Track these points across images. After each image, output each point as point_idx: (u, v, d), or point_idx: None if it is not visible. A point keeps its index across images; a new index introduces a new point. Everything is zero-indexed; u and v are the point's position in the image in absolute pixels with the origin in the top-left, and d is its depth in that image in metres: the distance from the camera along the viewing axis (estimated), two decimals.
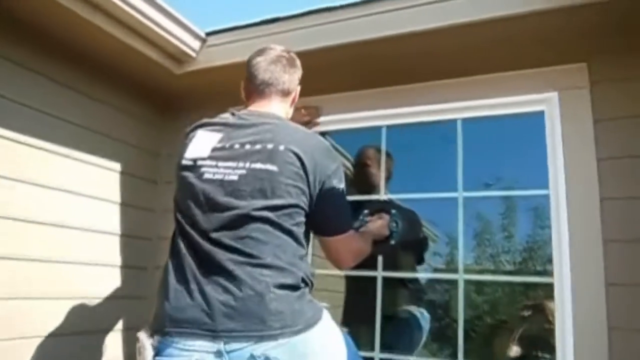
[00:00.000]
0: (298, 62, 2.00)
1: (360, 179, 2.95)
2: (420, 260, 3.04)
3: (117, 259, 2.88)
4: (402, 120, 2.74)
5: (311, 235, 1.83)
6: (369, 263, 2.63)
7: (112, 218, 2.87)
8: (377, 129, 2.79)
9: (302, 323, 1.53)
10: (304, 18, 2.52)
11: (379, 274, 2.63)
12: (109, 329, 2.78)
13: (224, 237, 1.58)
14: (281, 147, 1.65)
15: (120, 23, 2.43)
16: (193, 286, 1.54)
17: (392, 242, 2.42)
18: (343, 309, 2.96)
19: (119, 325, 2.83)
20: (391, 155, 2.83)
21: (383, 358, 2.55)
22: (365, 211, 2.50)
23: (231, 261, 1.54)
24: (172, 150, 1.79)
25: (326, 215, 1.75)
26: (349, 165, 3.22)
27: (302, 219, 1.68)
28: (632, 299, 2.07)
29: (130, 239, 2.95)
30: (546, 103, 2.40)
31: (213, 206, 1.62)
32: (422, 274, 3.10)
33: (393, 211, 2.48)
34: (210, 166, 1.67)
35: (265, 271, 1.53)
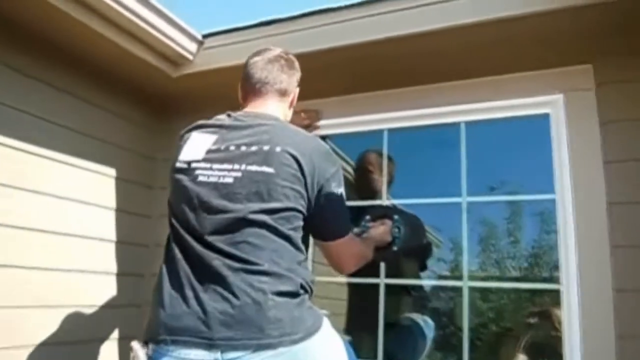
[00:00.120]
0: (297, 64, 2.00)
1: (362, 185, 2.95)
2: (423, 267, 3.04)
3: (113, 266, 2.88)
4: (404, 123, 2.75)
5: (311, 241, 1.82)
6: (371, 270, 2.63)
7: (107, 224, 2.87)
8: (379, 132, 2.80)
9: (302, 331, 1.51)
10: (302, 19, 2.53)
11: (382, 281, 2.63)
12: (104, 338, 2.78)
13: (219, 241, 1.56)
14: (278, 149, 1.64)
15: (117, 26, 2.44)
16: (189, 293, 1.52)
17: (395, 248, 2.41)
18: (346, 316, 2.96)
19: (115, 334, 2.83)
20: (392, 159, 2.83)
21: None
22: (367, 217, 2.49)
23: (227, 267, 1.52)
24: (168, 155, 1.79)
25: (325, 219, 1.74)
26: (349, 169, 3.22)
27: (300, 223, 1.66)
28: None
29: (126, 246, 2.95)
30: (551, 105, 2.40)
31: (207, 210, 1.61)
32: (426, 281, 3.09)
33: (395, 217, 2.47)
34: (205, 169, 1.66)
35: (263, 278, 1.52)
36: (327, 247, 1.86)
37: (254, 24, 2.64)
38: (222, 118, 1.82)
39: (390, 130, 2.78)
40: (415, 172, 3.42)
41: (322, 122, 2.81)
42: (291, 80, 1.95)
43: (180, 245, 1.62)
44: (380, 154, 2.85)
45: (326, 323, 1.65)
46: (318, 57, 2.45)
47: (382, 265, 2.65)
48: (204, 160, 1.68)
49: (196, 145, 1.73)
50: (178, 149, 1.77)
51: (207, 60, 2.75)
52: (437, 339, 2.97)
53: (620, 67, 2.27)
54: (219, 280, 1.51)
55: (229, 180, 1.62)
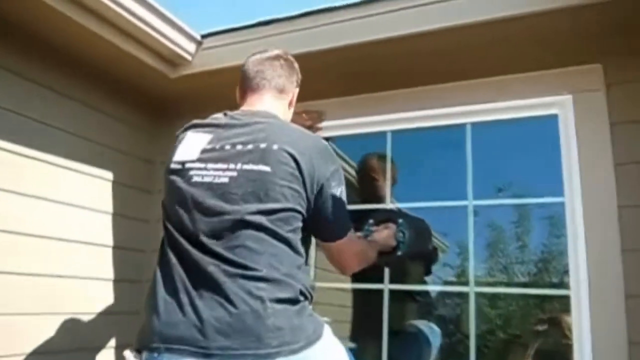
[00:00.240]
0: (296, 65, 2.00)
1: (366, 191, 2.94)
2: (428, 272, 3.03)
3: (110, 272, 2.87)
4: (408, 125, 2.74)
5: (312, 244, 1.81)
6: (374, 275, 2.63)
7: (104, 229, 2.87)
8: (382, 134, 2.79)
9: (302, 340, 1.49)
10: (302, 19, 2.52)
11: (386, 286, 2.62)
12: (101, 346, 2.77)
13: (215, 245, 1.54)
14: (275, 147, 1.61)
15: (113, 26, 2.44)
16: (184, 299, 1.50)
17: (399, 253, 2.40)
18: (351, 323, 2.95)
19: (112, 342, 2.82)
20: (393, 161, 2.82)
21: None
22: (371, 221, 2.49)
23: (224, 273, 1.49)
24: (166, 158, 1.78)
25: (325, 219, 1.71)
26: (351, 171, 3.22)
27: (299, 224, 1.64)
28: None
29: (123, 251, 2.95)
30: (560, 106, 2.39)
31: (202, 211, 1.59)
32: (431, 287, 3.08)
33: (400, 220, 2.46)
34: (199, 169, 1.64)
35: (261, 284, 1.49)
36: (329, 248, 1.84)
37: (252, 24, 2.64)
38: (218, 117, 1.82)
39: (394, 132, 2.77)
40: (419, 174, 3.42)
41: (324, 124, 2.80)
42: (290, 79, 1.95)
43: (175, 249, 1.60)
44: (382, 158, 2.84)
45: (327, 331, 1.64)
46: (318, 58, 2.45)
47: (386, 270, 2.63)
48: (199, 160, 1.67)
49: (191, 145, 1.72)
50: (173, 149, 1.76)
51: (206, 60, 2.75)
52: (443, 346, 2.96)
53: (630, 67, 2.26)
54: (215, 286, 1.49)
55: (224, 180, 1.60)
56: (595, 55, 2.30)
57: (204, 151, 1.68)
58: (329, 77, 2.64)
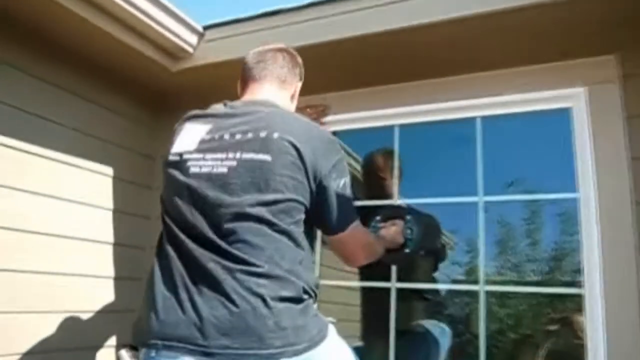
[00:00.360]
0: (299, 60, 1.99)
1: (372, 188, 2.93)
2: (435, 268, 3.02)
3: (110, 270, 2.89)
4: (416, 119, 2.74)
5: (316, 239, 1.80)
6: (381, 274, 2.63)
7: (104, 226, 2.88)
8: (389, 128, 2.79)
9: (306, 341, 1.48)
10: (308, 10, 2.52)
11: (393, 285, 2.62)
12: (101, 345, 2.79)
13: (215, 239, 1.52)
14: (275, 135, 1.60)
15: (114, 18, 2.44)
16: (183, 295, 1.49)
17: (407, 250, 2.40)
18: (360, 323, 2.95)
19: (112, 341, 2.83)
20: (399, 155, 2.81)
21: None
22: (377, 217, 2.48)
23: (224, 269, 1.48)
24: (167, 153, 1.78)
25: (330, 211, 1.69)
26: (357, 166, 3.21)
27: (302, 216, 1.62)
28: None
29: (124, 248, 2.96)
30: (573, 99, 2.38)
31: (201, 203, 1.57)
32: (440, 285, 3.08)
33: (408, 217, 2.46)
34: (197, 159, 1.63)
35: (261, 280, 1.48)
36: (334, 240, 1.83)
37: (257, 14, 2.63)
38: (217, 107, 1.81)
39: (402, 126, 2.77)
40: (428, 170, 3.41)
41: (330, 118, 2.80)
42: (293, 71, 1.94)
43: (174, 244, 1.59)
44: (387, 154, 2.84)
45: (332, 331, 1.63)
46: (324, 49, 2.45)
47: (393, 268, 2.63)
48: (197, 150, 1.65)
49: (189, 136, 1.71)
50: (171, 141, 1.76)
51: (208, 53, 2.75)
52: (452, 346, 2.95)
53: None
54: (215, 283, 1.47)
55: (223, 170, 1.59)
56: (609, 46, 2.29)
57: (202, 141, 1.67)
58: (336, 70, 2.64)
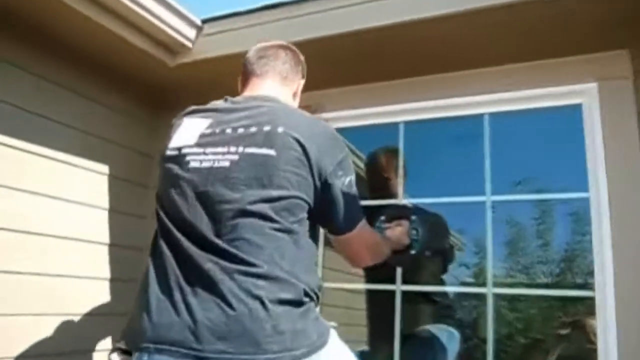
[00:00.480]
0: (302, 57, 2.00)
1: (376, 189, 2.93)
2: (443, 270, 3.02)
3: (106, 271, 2.90)
4: (422, 115, 2.74)
5: (319, 240, 1.79)
6: (386, 276, 2.63)
7: (99, 226, 2.89)
8: (394, 125, 2.79)
9: (305, 346, 1.46)
10: (310, 3, 2.52)
11: (398, 288, 2.62)
12: (97, 348, 2.79)
13: (214, 237, 1.51)
14: (280, 130, 1.59)
15: (108, 10, 2.45)
16: (177, 296, 1.47)
17: (413, 251, 2.40)
18: (367, 327, 2.96)
19: (108, 344, 2.84)
20: (404, 153, 2.81)
21: None
22: (382, 218, 2.49)
23: (221, 270, 1.47)
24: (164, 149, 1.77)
25: (335, 210, 1.68)
26: (360, 164, 3.21)
27: (305, 214, 1.61)
28: None
29: (120, 249, 2.97)
30: (584, 95, 2.39)
31: (201, 199, 1.56)
32: (446, 288, 3.08)
33: (413, 217, 2.46)
34: (197, 154, 1.62)
35: (260, 282, 1.46)
36: (340, 240, 1.82)
37: (257, 7, 2.64)
38: (217, 102, 1.81)
39: (407, 123, 2.77)
40: (434, 168, 3.41)
41: (333, 114, 2.80)
42: (295, 68, 1.95)
43: (169, 243, 1.58)
44: (391, 153, 2.84)
45: (334, 336, 1.61)
46: (326, 44, 2.45)
47: (398, 270, 2.63)
48: (197, 145, 1.64)
49: (188, 131, 1.70)
50: (169, 137, 1.75)
51: (206, 47, 2.75)
52: (459, 351, 2.96)
53: None
54: (211, 285, 1.46)
55: (225, 163, 1.57)
56: (622, 41, 2.29)
57: (202, 136, 1.66)
58: (339, 64, 2.64)
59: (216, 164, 1.58)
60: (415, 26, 2.32)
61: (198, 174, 1.59)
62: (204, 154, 1.61)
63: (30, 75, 2.55)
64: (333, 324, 1.68)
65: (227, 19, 2.72)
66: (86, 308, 2.76)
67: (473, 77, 2.59)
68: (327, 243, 2.58)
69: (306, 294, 1.54)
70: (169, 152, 1.69)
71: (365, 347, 2.87)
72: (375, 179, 2.97)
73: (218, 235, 1.52)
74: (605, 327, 2.17)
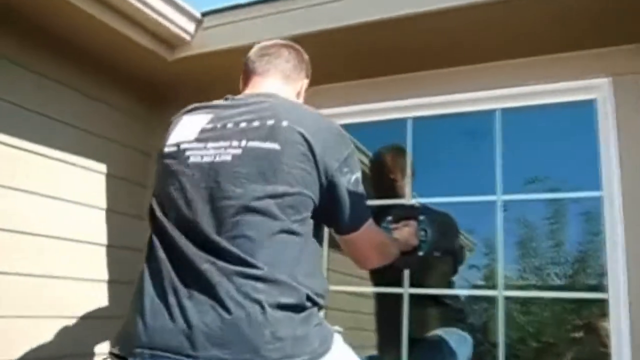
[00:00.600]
0: (306, 57, 2.00)
1: (381, 189, 2.93)
2: (453, 271, 3.03)
3: (104, 273, 2.92)
4: (431, 111, 2.75)
5: (324, 240, 1.79)
6: (393, 278, 2.64)
7: (96, 226, 2.91)
8: (402, 121, 2.79)
9: (306, 353, 1.44)
10: None
11: (405, 290, 2.63)
12: (94, 352, 2.81)
13: (214, 235, 1.50)
14: (284, 124, 1.58)
15: (104, 3, 2.45)
16: (172, 299, 1.46)
17: (421, 253, 2.41)
18: (375, 331, 2.97)
19: (106, 348, 2.84)
20: (412, 150, 2.82)
21: None
22: (389, 218, 2.49)
23: (219, 272, 1.45)
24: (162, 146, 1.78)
25: (339, 208, 1.67)
26: (366, 161, 3.22)
27: (309, 213, 1.59)
28: None
29: (118, 250, 2.99)
30: (597, 90, 2.40)
31: (201, 194, 1.55)
32: (455, 291, 3.09)
33: (421, 217, 2.47)
34: (198, 148, 1.61)
35: (260, 285, 1.44)
36: (346, 240, 1.82)
37: (258, 0, 2.65)
38: (217, 101, 1.81)
39: (415, 119, 2.78)
40: (443, 166, 3.43)
41: (336, 110, 2.81)
42: (299, 67, 1.95)
43: (164, 243, 1.57)
44: (396, 152, 2.86)
45: (338, 342, 1.60)
46: (331, 36, 2.46)
47: (406, 272, 2.64)
48: (197, 140, 1.63)
49: (187, 127, 1.70)
50: (167, 134, 1.75)
51: (206, 41, 2.76)
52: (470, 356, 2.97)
53: None
54: (208, 287, 1.44)
55: (227, 157, 1.56)
56: (637, 34, 2.29)
57: (203, 131, 1.65)
58: (344, 58, 2.66)
59: (217, 159, 1.57)
60: (424, 18, 2.32)
61: (199, 169, 1.58)
62: (205, 148, 1.61)
63: (28, 72, 2.57)
64: (338, 328, 1.68)
65: (228, 12, 2.73)
66: (84, 310, 2.78)
67: (484, 72, 2.60)
68: (332, 244, 2.59)
69: (309, 299, 1.52)
70: (167, 149, 1.69)
71: (373, 352, 2.88)
72: (382, 178, 2.97)
73: (219, 233, 1.50)
74: (619, 329, 2.18)
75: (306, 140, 1.57)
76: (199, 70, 2.91)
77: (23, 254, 2.52)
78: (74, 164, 2.79)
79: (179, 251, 1.52)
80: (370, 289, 2.94)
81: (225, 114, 1.69)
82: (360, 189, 1.73)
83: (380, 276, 2.80)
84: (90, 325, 2.78)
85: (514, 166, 2.60)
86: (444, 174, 3.37)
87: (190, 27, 2.75)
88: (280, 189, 1.52)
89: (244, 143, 1.57)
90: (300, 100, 1.99)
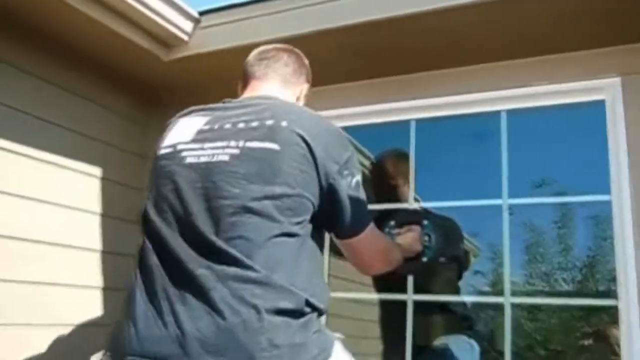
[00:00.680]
0: (306, 61, 2.01)
1: (383, 195, 2.93)
2: (458, 277, 3.02)
3: (99, 280, 2.91)
4: (434, 112, 2.75)
5: (324, 244, 1.79)
6: (397, 284, 2.64)
7: (91, 231, 2.91)
8: (405, 123, 2.79)
9: None
10: None
11: (409, 297, 2.63)
12: None
13: (210, 236, 1.49)
14: (283, 124, 1.58)
15: (100, 2, 2.46)
16: (164, 304, 1.45)
17: (425, 259, 2.41)
18: (380, 339, 2.97)
19: (100, 356, 2.85)
20: (415, 153, 2.82)
21: None
22: (392, 223, 2.49)
23: (214, 275, 1.44)
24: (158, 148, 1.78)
25: (340, 212, 1.67)
26: (366, 163, 3.22)
27: (308, 216, 1.58)
28: None
29: (113, 256, 2.99)
30: (607, 90, 2.39)
31: (198, 194, 1.55)
32: (460, 298, 3.09)
33: (425, 222, 2.47)
34: (195, 149, 1.61)
35: (257, 290, 1.42)
36: (347, 245, 1.82)
37: None
38: (215, 104, 1.81)
39: (419, 121, 2.77)
40: (447, 169, 3.43)
41: (338, 112, 2.81)
42: (298, 71, 1.96)
43: (157, 246, 1.57)
44: (398, 158, 2.85)
45: (338, 349, 1.59)
46: (332, 36, 2.46)
47: (410, 278, 2.63)
48: (193, 141, 1.64)
49: (184, 129, 1.71)
50: (162, 137, 1.75)
51: (204, 41, 2.76)
52: None
53: None
54: (202, 292, 1.43)
55: (224, 157, 1.56)
56: None
57: (200, 132, 1.66)
58: (345, 59, 2.66)
59: (215, 159, 1.57)
60: (427, 17, 2.32)
61: (195, 169, 1.58)
62: (202, 149, 1.61)
63: (23, 74, 2.57)
64: (339, 335, 1.67)
65: (226, 11, 2.73)
66: (77, 318, 2.77)
67: (489, 72, 2.60)
68: (334, 250, 2.59)
69: (308, 304, 1.50)
70: (162, 150, 1.69)
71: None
72: (385, 183, 2.97)
73: (216, 233, 1.49)
74: (630, 337, 2.17)
75: (306, 142, 1.57)
76: (197, 70, 2.91)
77: (14, 260, 2.51)
78: (68, 168, 2.79)
79: (173, 254, 1.51)
80: (374, 296, 2.93)
81: (222, 115, 1.70)
82: (361, 192, 1.73)
83: (383, 283, 2.80)
84: (84, 333, 2.77)
85: (520, 169, 2.60)
86: (448, 177, 3.37)
87: (188, 26, 2.75)
88: (279, 190, 1.52)
89: (242, 143, 1.57)
90: (300, 104, 1.98)
